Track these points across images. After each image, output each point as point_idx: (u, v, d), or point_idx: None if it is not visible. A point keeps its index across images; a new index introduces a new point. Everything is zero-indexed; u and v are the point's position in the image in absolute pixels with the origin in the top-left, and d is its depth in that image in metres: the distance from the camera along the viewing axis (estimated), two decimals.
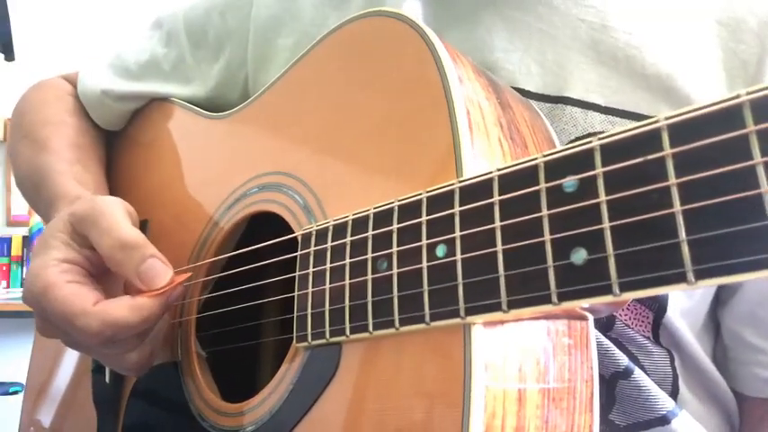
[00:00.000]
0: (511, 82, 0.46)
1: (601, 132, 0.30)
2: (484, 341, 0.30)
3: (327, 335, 0.37)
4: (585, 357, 0.33)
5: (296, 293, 0.39)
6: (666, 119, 0.24)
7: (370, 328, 0.34)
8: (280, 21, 0.58)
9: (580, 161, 0.27)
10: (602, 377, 0.44)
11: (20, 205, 2.92)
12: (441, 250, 0.31)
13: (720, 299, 0.50)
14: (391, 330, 0.33)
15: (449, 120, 0.34)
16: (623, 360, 0.44)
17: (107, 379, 0.57)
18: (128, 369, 0.48)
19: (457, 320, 0.30)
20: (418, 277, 0.32)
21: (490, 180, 0.30)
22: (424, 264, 0.32)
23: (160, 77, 0.66)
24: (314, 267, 0.38)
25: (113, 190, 0.64)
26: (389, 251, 0.34)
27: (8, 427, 0.82)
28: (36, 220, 2.73)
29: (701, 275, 0.23)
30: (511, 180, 0.29)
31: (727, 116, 0.23)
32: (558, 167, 0.28)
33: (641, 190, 0.24)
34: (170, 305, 0.45)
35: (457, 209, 0.31)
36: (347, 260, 0.36)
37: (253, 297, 0.47)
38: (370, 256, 0.35)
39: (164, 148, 0.64)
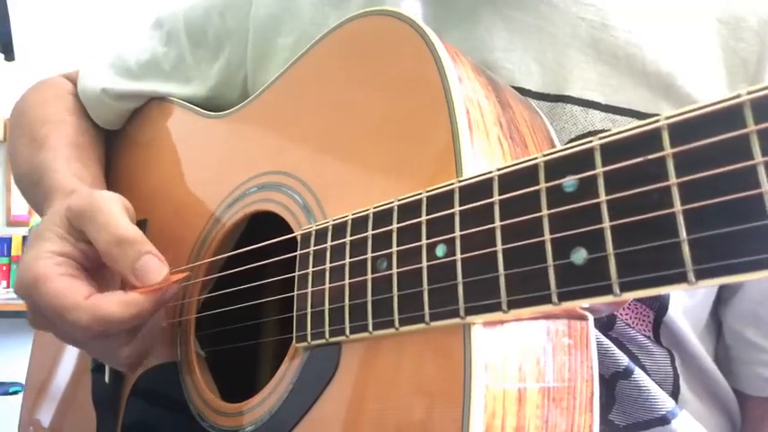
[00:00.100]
0: (511, 81, 0.46)
1: (601, 131, 0.30)
2: (484, 341, 0.30)
3: (327, 335, 0.36)
4: (585, 357, 0.33)
5: (295, 293, 0.39)
6: (667, 118, 0.24)
7: (370, 327, 0.34)
8: (279, 20, 0.58)
9: (580, 161, 0.27)
10: (602, 377, 0.44)
11: (20, 205, 2.92)
12: (440, 250, 0.31)
13: (722, 298, 0.50)
14: (391, 330, 0.33)
15: (448, 119, 0.34)
16: (623, 360, 0.44)
17: (106, 379, 0.57)
18: (120, 364, 0.48)
19: (457, 320, 0.30)
20: (418, 277, 0.32)
21: (490, 180, 0.30)
22: (424, 263, 0.32)
23: (160, 77, 0.66)
24: (313, 267, 0.38)
25: (112, 189, 0.64)
26: (389, 251, 0.34)
27: (8, 427, 0.82)
28: (36, 219, 2.73)
29: (701, 275, 0.23)
30: (511, 180, 0.29)
31: (728, 116, 0.23)
32: (558, 167, 0.28)
33: (641, 189, 0.24)
34: (164, 303, 0.45)
35: (457, 208, 0.31)
36: (347, 260, 0.36)
37: (252, 297, 0.47)
38: (369, 255, 0.35)
39: (163, 148, 0.63)
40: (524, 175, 0.29)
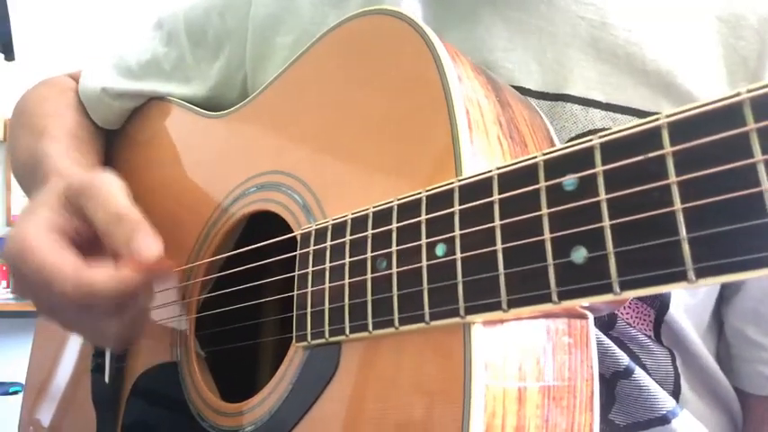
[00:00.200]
0: (511, 80, 0.46)
1: (601, 130, 0.30)
2: (484, 340, 0.30)
3: (327, 334, 0.36)
4: (585, 356, 0.33)
5: (295, 293, 0.39)
6: (667, 117, 0.24)
7: (370, 327, 0.34)
8: (278, 19, 0.58)
9: (580, 159, 0.27)
10: (602, 376, 0.44)
11: (20, 205, 2.92)
12: (440, 249, 0.31)
13: (723, 296, 0.50)
14: (391, 330, 0.33)
15: (448, 118, 0.34)
16: (624, 359, 0.44)
17: (106, 379, 0.57)
18: (104, 341, 0.47)
19: (457, 320, 0.30)
20: (418, 276, 0.32)
21: (490, 179, 0.30)
22: (424, 263, 0.32)
23: (161, 77, 0.66)
24: (313, 267, 0.38)
25: None
26: (389, 250, 0.34)
27: (8, 427, 0.82)
28: None
29: (701, 274, 0.23)
30: (511, 179, 0.29)
31: (728, 114, 0.23)
32: (557, 166, 0.28)
33: (641, 188, 0.24)
34: (153, 282, 0.44)
35: (456, 208, 0.31)
36: (347, 259, 0.36)
37: (252, 297, 0.47)
38: (369, 255, 0.35)
39: (162, 148, 0.63)
40: (524, 174, 0.29)
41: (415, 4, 0.50)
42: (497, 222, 0.29)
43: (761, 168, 0.21)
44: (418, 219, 0.33)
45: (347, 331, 0.35)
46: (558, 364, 0.32)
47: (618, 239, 0.25)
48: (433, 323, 0.31)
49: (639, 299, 0.45)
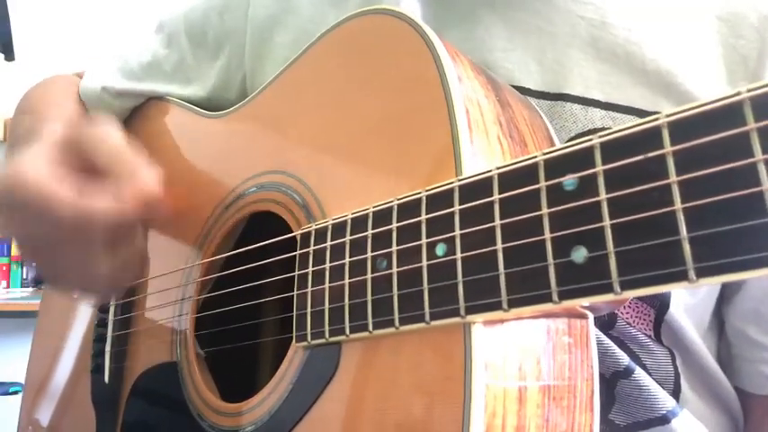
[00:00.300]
0: (510, 80, 0.46)
1: (601, 129, 0.30)
2: (484, 340, 0.30)
3: (327, 334, 0.36)
4: (586, 356, 0.33)
5: (295, 293, 0.39)
6: (667, 116, 0.24)
7: (370, 327, 0.34)
8: (277, 19, 0.58)
9: (580, 159, 0.27)
10: (602, 376, 0.44)
11: None
12: (440, 249, 0.31)
13: (724, 296, 0.50)
14: (391, 330, 0.33)
15: (448, 118, 0.34)
16: (624, 359, 0.44)
17: (106, 379, 0.57)
18: (93, 282, 0.45)
19: (457, 319, 0.30)
20: (418, 276, 0.32)
21: (490, 178, 0.30)
22: (424, 263, 0.32)
23: (162, 78, 0.66)
24: (313, 267, 0.38)
25: None
26: (389, 250, 0.34)
27: (8, 427, 0.82)
28: None
29: (702, 273, 0.22)
30: (511, 178, 0.29)
31: (728, 113, 0.23)
32: (558, 165, 0.28)
33: (642, 188, 0.24)
34: (151, 218, 0.43)
35: (457, 207, 0.31)
36: (347, 259, 0.36)
37: (252, 297, 0.47)
38: (369, 255, 0.35)
39: (161, 147, 0.63)
40: (524, 174, 0.29)
41: (415, 4, 0.50)
42: (497, 222, 0.29)
43: (761, 168, 0.21)
44: (418, 218, 0.33)
45: (347, 331, 0.35)
46: (558, 364, 0.32)
47: (618, 239, 0.25)
48: (434, 323, 0.31)
49: (639, 298, 0.45)
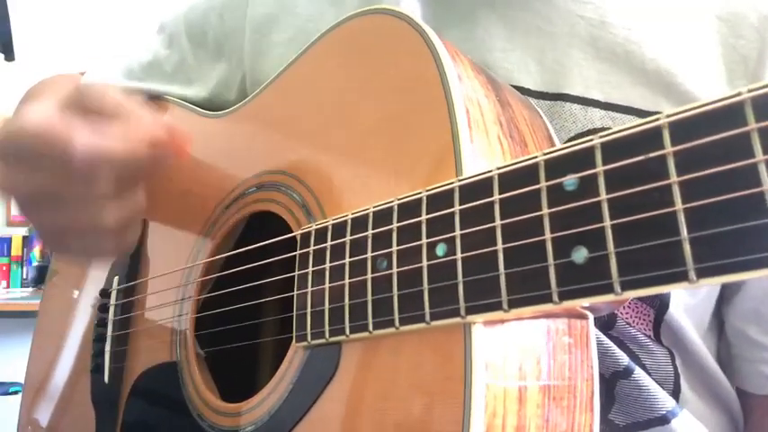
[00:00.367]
0: (510, 80, 0.46)
1: (600, 129, 0.30)
2: (484, 340, 0.30)
3: (327, 334, 0.36)
4: (586, 356, 0.33)
5: (295, 293, 0.39)
6: (667, 116, 0.24)
7: (370, 327, 0.34)
8: (275, 18, 0.58)
9: (581, 159, 0.27)
10: (602, 376, 0.44)
11: None
12: (441, 249, 0.31)
13: (724, 296, 0.50)
14: (391, 330, 0.33)
15: (448, 118, 0.34)
16: (623, 359, 0.44)
17: (105, 379, 0.57)
18: (98, 239, 0.43)
19: (457, 320, 0.30)
20: (418, 276, 0.32)
21: (490, 179, 0.30)
22: (424, 263, 0.32)
23: (163, 78, 0.66)
24: (313, 267, 0.38)
25: None
26: (389, 250, 0.33)
27: (8, 427, 0.82)
28: None
29: (702, 274, 0.22)
30: (511, 178, 0.29)
31: (729, 114, 0.23)
32: (558, 166, 0.28)
33: (642, 188, 0.24)
34: (161, 160, 0.42)
35: (457, 207, 0.31)
36: (347, 259, 0.36)
37: (252, 297, 0.47)
38: (369, 255, 0.35)
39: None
40: (525, 174, 0.29)
41: (414, 4, 0.50)
42: (498, 222, 0.29)
43: (762, 168, 0.21)
44: (419, 219, 0.32)
45: (347, 331, 0.35)
46: (558, 364, 0.32)
47: (619, 239, 0.25)
48: (434, 323, 0.31)
49: (639, 299, 0.45)
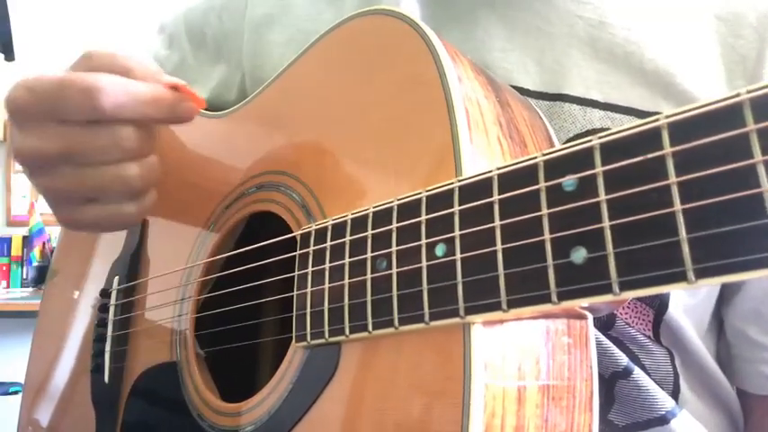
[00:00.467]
0: (509, 81, 0.46)
1: (600, 130, 0.30)
2: (483, 340, 0.30)
3: (326, 334, 0.36)
4: (585, 356, 0.33)
5: (295, 293, 0.39)
6: (666, 117, 0.24)
7: (370, 327, 0.34)
8: (273, 18, 0.58)
9: (580, 160, 0.27)
10: (601, 377, 0.44)
11: (20, 205, 2.93)
12: (440, 249, 0.31)
13: (724, 296, 0.50)
14: (390, 330, 0.33)
15: (448, 118, 0.34)
16: (623, 359, 0.44)
17: (106, 379, 0.57)
18: (129, 188, 0.42)
19: (456, 320, 0.30)
20: (418, 276, 0.32)
21: (490, 179, 0.30)
22: (424, 263, 0.32)
23: None
24: (313, 267, 0.38)
25: None
26: (389, 250, 0.34)
27: (8, 427, 0.82)
28: (36, 219, 2.73)
29: (701, 274, 0.23)
30: (510, 179, 0.29)
31: (728, 114, 0.23)
32: (557, 166, 0.28)
33: (641, 189, 0.24)
34: (179, 113, 0.42)
35: (456, 208, 0.31)
36: (346, 259, 0.36)
37: (252, 297, 0.47)
38: (369, 255, 0.35)
39: (161, 148, 0.63)
40: (524, 175, 0.29)
41: (414, 4, 0.50)
42: (497, 223, 0.29)
43: (761, 169, 0.22)
44: (418, 219, 0.33)
45: (347, 331, 0.35)
46: (557, 364, 0.32)
47: (618, 240, 0.25)
48: (433, 323, 0.31)
49: (639, 299, 0.45)
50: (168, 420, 0.51)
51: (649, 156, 0.24)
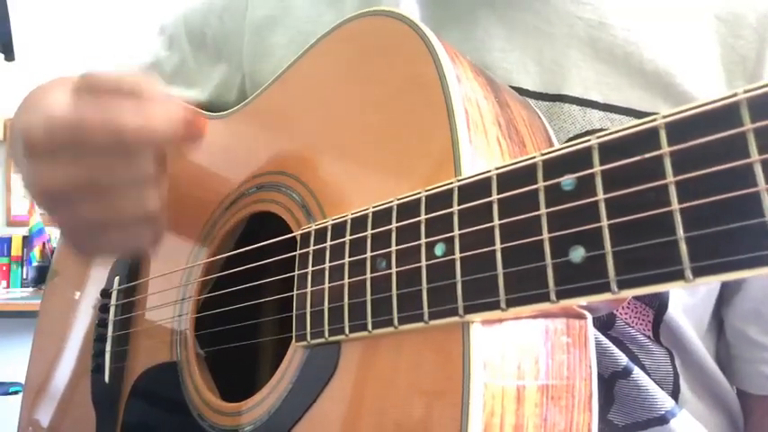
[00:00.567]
0: (509, 81, 0.46)
1: (599, 130, 0.30)
2: (482, 339, 0.30)
3: (326, 334, 0.37)
4: (584, 356, 0.33)
5: (295, 293, 0.40)
6: (664, 117, 0.24)
7: (369, 326, 0.34)
8: (274, 19, 0.58)
9: (578, 160, 0.27)
10: (600, 376, 0.44)
11: (20, 205, 2.93)
12: (439, 249, 0.31)
13: (723, 297, 0.50)
14: (390, 329, 0.33)
15: (447, 119, 0.34)
16: (622, 359, 0.44)
17: (106, 379, 0.57)
18: (148, 215, 0.42)
19: (456, 319, 0.30)
20: (417, 276, 0.32)
21: (489, 179, 0.30)
22: (423, 262, 0.32)
23: (163, 81, 0.66)
24: (313, 267, 0.38)
25: None
26: (388, 250, 0.34)
27: (8, 427, 0.82)
28: (36, 219, 2.73)
29: (698, 272, 0.23)
30: (509, 179, 0.29)
31: (725, 114, 0.23)
32: (556, 166, 0.28)
33: (639, 188, 0.25)
34: (195, 138, 0.41)
35: (456, 208, 0.31)
36: (346, 259, 0.36)
37: (252, 297, 0.47)
38: (369, 255, 0.35)
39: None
40: (523, 174, 0.29)
41: (413, 5, 0.50)
42: (496, 222, 0.29)
43: (757, 168, 0.22)
44: (418, 219, 0.33)
45: (347, 331, 0.35)
46: (556, 364, 0.32)
47: (616, 239, 0.25)
48: (432, 322, 0.31)
49: (638, 299, 0.45)
50: (168, 420, 0.52)
51: (647, 155, 0.25)
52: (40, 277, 2.66)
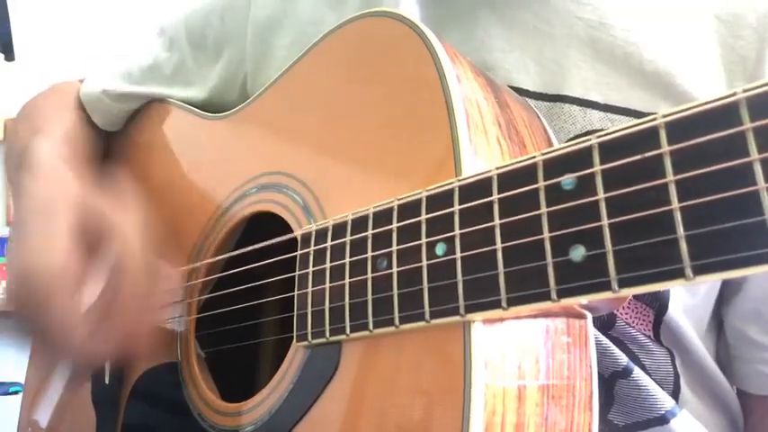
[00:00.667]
0: (509, 81, 0.46)
1: (599, 130, 0.30)
2: (483, 338, 0.30)
3: (327, 334, 0.37)
4: (584, 355, 0.33)
5: (296, 293, 0.40)
6: (664, 116, 0.25)
7: (370, 326, 0.34)
8: (277, 21, 0.58)
9: (578, 159, 0.27)
10: (601, 376, 0.44)
11: None
12: (440, 248, 0.31)
13: (724, 297, 0.50)
14: (391, 329, 0.33)
15: (447, 119, 0.34)
16: (622, 359, 0.44)
17: (106, 379, 0.57)
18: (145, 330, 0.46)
19: (457, 318, 0.30)
20: (418, 275, 0.32)
21: (489, 179, 0.30)
22: (424, 262, 0.32)
23: (162, 82, 0.66)
24: (314, 267, 0.38)
25: (110, 191, 0.64)
26: (389, 250, 0.34)
27: (8, 427, 0.82)
28: None
29: (698, 271, 0.23)
30: (510, 178, 0.29)
31: (724, 113, 0.23)
32: (556, 166, 0.28)
33: (639, 187, 0.25)
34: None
35: (456, 207, 0.31)
36: (347, 259, 0.36)
37: (252, 297, 0.47)
38: (369, 254, 0.35)
39: (162, 149, 0.64)
40: (523, 174, 0.29)
41: (413, 5, 0.50)
42: (497, 222, 0.29)
43: (757, 167, 0.22)
44: (418, 218, 0.33)
45: (348, 330, 0.35)
46: (557, 363, 0.32)
47: (616, 238, 0.25)
48: (434, 322, 0.31)
49: (639, 299, 0.45)
50: (169, 421, 0.52)
51: (647, 154, 0.25)
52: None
